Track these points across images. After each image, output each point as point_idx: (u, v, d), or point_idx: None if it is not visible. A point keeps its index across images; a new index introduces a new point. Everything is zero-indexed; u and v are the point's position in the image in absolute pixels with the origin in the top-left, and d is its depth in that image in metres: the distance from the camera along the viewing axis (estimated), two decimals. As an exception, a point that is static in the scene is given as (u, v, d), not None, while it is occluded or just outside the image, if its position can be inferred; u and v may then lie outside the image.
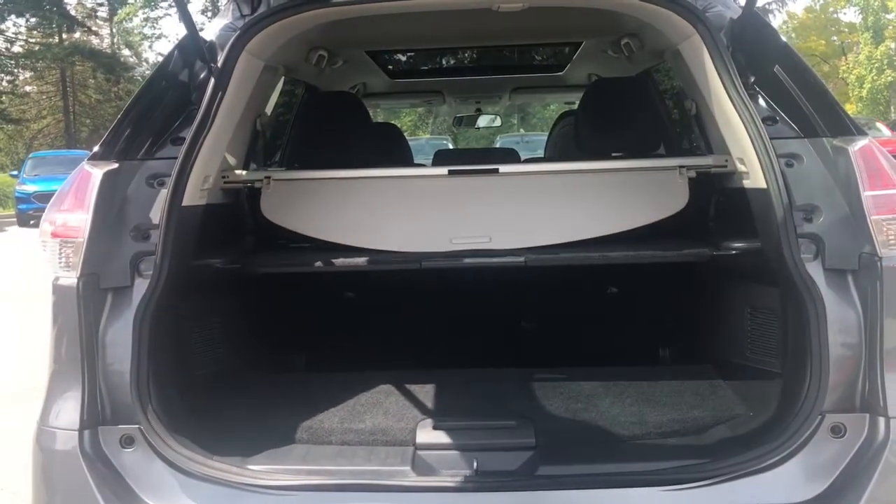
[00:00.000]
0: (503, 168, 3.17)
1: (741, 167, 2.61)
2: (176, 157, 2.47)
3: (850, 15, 41.85)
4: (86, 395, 2.30)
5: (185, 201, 2.49)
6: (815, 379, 2.22)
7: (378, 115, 6.96)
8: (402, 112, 29.57)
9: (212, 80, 2.58)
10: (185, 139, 2.50)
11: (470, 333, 3.49)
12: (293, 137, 3.82)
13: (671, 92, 4.13)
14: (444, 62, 5.45)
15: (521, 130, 25.40)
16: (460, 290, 3.29)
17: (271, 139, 4.00)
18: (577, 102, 6.33)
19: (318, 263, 2.88)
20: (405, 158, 4.72)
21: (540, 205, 3.11)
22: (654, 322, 3.46)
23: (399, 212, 3.13)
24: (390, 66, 5.24)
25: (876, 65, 36.41)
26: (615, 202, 3.10)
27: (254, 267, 2.98)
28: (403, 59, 5.29)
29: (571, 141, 4.00)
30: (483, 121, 6.49)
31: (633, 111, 3.39)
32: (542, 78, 5.47)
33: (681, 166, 3.14)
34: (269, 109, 3.88)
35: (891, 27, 35.87)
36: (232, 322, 3.00)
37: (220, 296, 2.97)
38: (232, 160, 3.23)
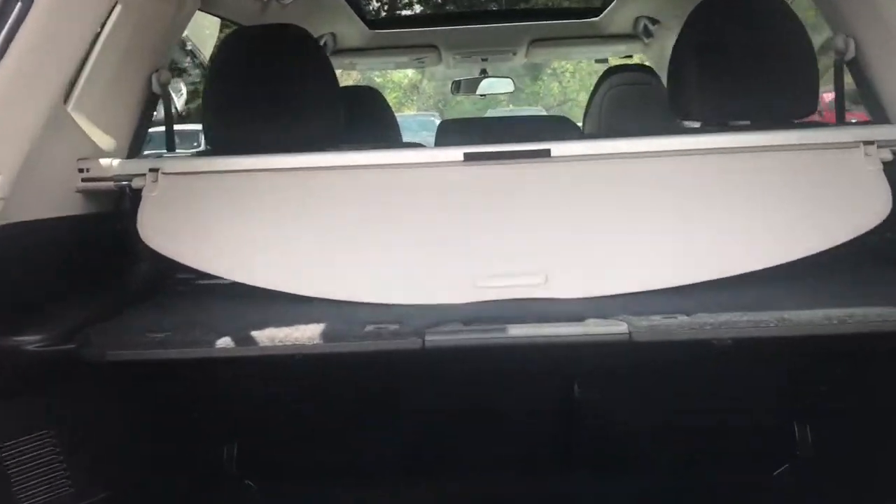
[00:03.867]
0: (558, 148, 1.83)
1: None
2: None
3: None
4: None
5: None
6: None
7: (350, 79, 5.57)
8: (385, 83, 28.03)
9: None
10: None
11: (489, 426, 2.08)
12: (208, 104, 2.35)
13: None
14: (440, 4, 4.05)
15: (511, 106, 23.84)
16: (475, 365, 1.89)
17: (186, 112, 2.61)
18: (609, 61, 4.98)
19: (225, 343, 1.51)
20: (390, 139, 3.36)
21: (630, 214, 1.77)
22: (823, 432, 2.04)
23: (381, 230, 1.78)
24: (369, 10, 3.86)
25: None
26: (765, 208, 1.76)
27: (100, 349, 1.58)
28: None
29: (649, 107, 2.68)
30: (489, 86, 5.04)
31: (774, 50, 2.01)
32: (572, 26, 4.07)
33: (866, 142, 1.81)
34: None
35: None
36: (81, 431, 1.66)
37: (54, 392, 1.61)
38: (106, 142, 1.91)
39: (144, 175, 1.87)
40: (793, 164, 1.81)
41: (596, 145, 1.85)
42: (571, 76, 26.93)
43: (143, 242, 1.79)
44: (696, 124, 2.08)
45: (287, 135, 1.98)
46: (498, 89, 5.21)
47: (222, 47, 2.15)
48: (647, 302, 1.60)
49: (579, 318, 1.51)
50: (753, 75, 1.92)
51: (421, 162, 1.86)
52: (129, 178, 1.88)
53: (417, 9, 4.17)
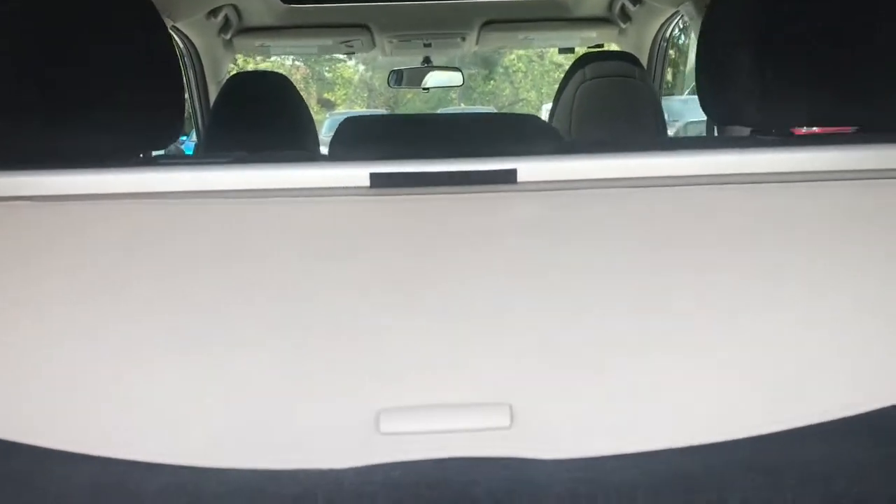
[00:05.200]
0: (529, 168, 1.07)
1: None
2: None
3: None
4: None
5: None
6: None
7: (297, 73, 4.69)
8: (334, 79, 26.85)
9: None
10: None
11: None
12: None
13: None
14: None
15: (462, 105, 22.98)
16: None
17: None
18: (577, 51, 4.22)
19: None
20: (301, 140, 2.54)
21: (659, 298, 1.01)
22: None
23: (204, 320, 1.00)
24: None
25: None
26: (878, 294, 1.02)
27: None
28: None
29: (637, 107, 1.95)
30: (436, 78, 4.21)
31: (878, 23, 1.28)
32: (534, 5, 3.32)
33: None
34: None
35: None
36: None
37: None
38: None
39: None
40: None
41: (599, 163, 1.08)
42: (524, 76, 26.45)
43: None
44: (745, 131, 1.34)
45: (82, 140, 1.18)
46: (445, 82, 4.39)
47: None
48: (691, 475, 0.84)
49: None
50: (850, 59, 1.18)
51: (290, 187, 1.08)
52: None
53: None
